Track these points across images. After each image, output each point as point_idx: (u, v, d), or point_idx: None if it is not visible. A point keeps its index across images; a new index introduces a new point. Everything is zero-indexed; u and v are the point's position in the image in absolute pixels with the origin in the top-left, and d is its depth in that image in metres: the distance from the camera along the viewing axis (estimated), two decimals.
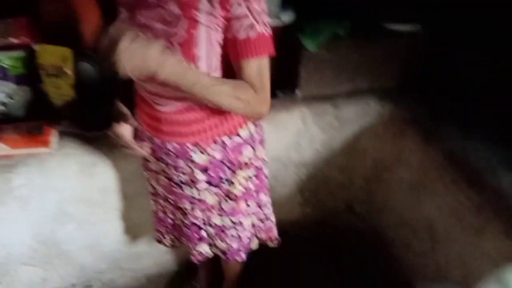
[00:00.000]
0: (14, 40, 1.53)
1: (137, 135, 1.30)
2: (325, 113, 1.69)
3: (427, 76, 1.82)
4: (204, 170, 1.21)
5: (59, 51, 1.50)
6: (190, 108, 1.11)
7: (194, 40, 0.99)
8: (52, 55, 1.50)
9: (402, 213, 1.77)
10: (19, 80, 1.54)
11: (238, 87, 1.01)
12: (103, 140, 1.48)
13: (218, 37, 1.01)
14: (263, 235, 1.45)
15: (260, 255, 1.52)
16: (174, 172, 1.23)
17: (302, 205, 1.97)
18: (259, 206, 1.37)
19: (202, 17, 0.97)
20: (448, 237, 1.51)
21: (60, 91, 1.54)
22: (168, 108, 1.11)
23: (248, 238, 1.41)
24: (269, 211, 1.41)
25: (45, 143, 1.43)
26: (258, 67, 1.02)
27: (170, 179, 1.27)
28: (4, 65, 1.50)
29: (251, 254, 1.46)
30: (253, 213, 1.37)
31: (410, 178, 1.69)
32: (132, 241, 1.68)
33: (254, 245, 1.46)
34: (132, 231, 1.66)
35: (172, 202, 1.33)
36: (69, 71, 1.51)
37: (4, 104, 1.54)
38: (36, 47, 1.52)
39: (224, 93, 0.99)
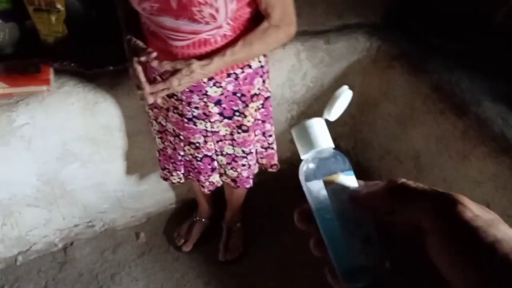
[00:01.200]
0: None
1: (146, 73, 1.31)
2: (318, 49, 1.73)
3: (412, 11, 1.89)
4: (218, 103, 1.25)
5: None
6: (206, 41, 1.12)
7: None
8: None
9: (387, 146, 1.89)
10: (5, 16, 1.48)
11: (262, 36, 1.12)
12: (104, 77, 1.47)
13: None
14: (264, 161, 1.53)
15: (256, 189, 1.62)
16: (187, 107, 1.26)
17: (292, 142, 2.04)
18: (264, 135, 1.43)
19: None
20: (433, 164, 1.64)
21: (51, 27, 1.50)
22: (184, 43, 1.12)
23: (255, 165, 1.48)
24: (272, 139, 1.47)
25: (45, 82, 1.40)
26: None
27: (182, 115, 1.29)
28: None
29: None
30: (257, 141, 1.43)
31: (397, 112, 1.79)
32: (134, 180, 1.71)
33: (256, 169, 1.54)
34: (134, 170, 1.68)
35: (182, 138, 1.36)
36: (61, 6, 1.46)
37: None
38: None
39: (258, 50, 1.14)
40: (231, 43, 1.12)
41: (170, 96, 1.27)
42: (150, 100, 1.09)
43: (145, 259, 1.76)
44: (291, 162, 2.06)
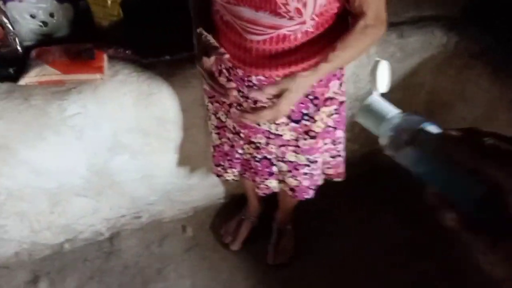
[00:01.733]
0: None
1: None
2: (389, 43, 1.57)
3: (496, 5, 1.68)
4: None
5: None
6: (285, 37, 1.00)
7: None
8: None
9: None
10: None
11: (360, 36, 0.98)
12: (159, 66, 1.38)
13: None
14: (331, 171, 1.41)
15: None
16: (253, 105, 1.15)
17: (350, 141, 1.90)
18: (333, 143, 1.30)
19: None
20: None
21: (107, 10, 1.41)
22: (261, 37, 0.99)
23: (318, 175, 1.37)
24: (341, 146, 1.34)
25: (99, 69, 1.32)
26: None
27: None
28: None
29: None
30: (326, 150, 1.31)
31: (473, 116, 1.61)
32: (184, 173, 1.64)
33: (321, 181, 1.42)
34: (185, 163, 1.60)
35: (243, 136, 1.26)
36: None
37: (45, 23, 1.41)
38: None
39: (355, 52, 1.00)
40: (313, 40, 1.00)
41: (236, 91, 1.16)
42: (231, 98, 0.98)
43: (191, 255, 1.69)
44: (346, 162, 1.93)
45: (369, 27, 0.97)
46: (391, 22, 1.58)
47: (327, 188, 1.71)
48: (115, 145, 1.42)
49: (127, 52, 1.37)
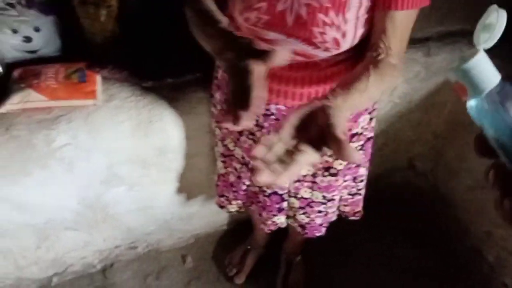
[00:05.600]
0: None
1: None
2: (416, 62, 1.42)
3: None
4: None
5: None
6: (309, 65, 0.85)
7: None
8: None
9: (482, 177, 1.59)
10: (46, 8, 1.23)
11: (380, 74, 0.75)
12: (161, 90, 1.22)
13: None
14: (347, 209, 1.27)
15: None
16: (268, 136, 1.00)
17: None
18: (354, 180, 1.16)
19: None
20: None
21: (100, 24, 1.24)
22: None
23: (333, 212, 1.23)
24: (363, 184, 1.20)
25: (91, 94, 1.15)
26: (408, 21, 0.79)
27: (257, 142, 1.03)
28: None
29: None
30: (345, 187, 1.17)
31: None
32: (185, 201, 1.48)
33: (335, 217, 1.28)
34: (186, 192, 1.45)
35: (251, 167, 1.11)
36: (113, 0, 1.20)
37: (28, 38, 1.24)
38: None
39: (376, 89, 0.75)
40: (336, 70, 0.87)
41: None
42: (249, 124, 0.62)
43: None
44: None
45: (388, 66, 0.78)
46: (417, 38, 1.45)
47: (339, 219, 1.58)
48: (110, 178, 1.26)
49: (123, 73, 1.20)
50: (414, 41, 1.44)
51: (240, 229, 1.68)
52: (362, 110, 0.98)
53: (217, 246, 1.68)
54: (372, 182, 1.82)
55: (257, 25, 0.82)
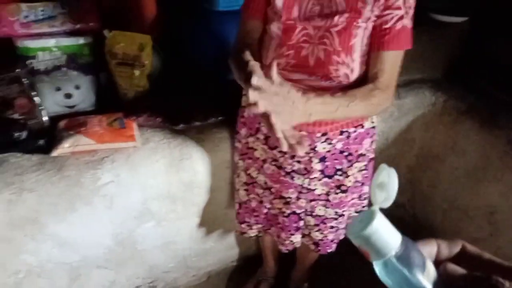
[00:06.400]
0: (82, 25, 1.42)
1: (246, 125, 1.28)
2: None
3: (474, 67, 1.91)
4: (322, 159, 1.20)
5: (136, 39, 1.42)
6: (314, 90, 1.09)
7: (353, 31, 1.00)
8: (126, 42, 1.41)
9: (453, 200, 1.85)
10: (86, 68, 1.44)
11: (368, 94, 1.02)
12: (189, 132, 1.42)
13: (370, 26, 1.02)
14: None
15: None
16: (289, 160, 1.22)
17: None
18: (360, 198, 1.38)
19: (366, 8, 0.98)
20: (511, 220, 1.61)
21: (133, 81, 1.45)
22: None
23: (343, 229, 1.42)
24: (366, 202, 1.42)
25: (131, 138, 1.33)
26: (395, 60, 1.05)
27: (280, 167, 1.25)
28: (70, 52, 1.38)
29: None
30: (352, 205, 1.38)
31: (466, 166, 1.76)
32: (202, 237, 1.63)
33: (343, 235, 1.47)
34: (205, 227, 1.60)
35: (274, 191, 1.30)
36: (146, 60, 1.43)
37: (69, 95, 1.43)
38: (107, 33, 1.42)
39: (360, 107, 1.00)
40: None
41: (272, 148, 1.22)
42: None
43: None
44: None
45: (377, 89, 1.03)
46: None
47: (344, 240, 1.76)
48: (143, 213, 1.40)
49: (156, 119, 1.40)
50: None
51: (249, 264, 1.82)
52: (365, 134, 1.22)
53: (228, 282, 1.80)
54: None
55: (286, 68, 1.07)
